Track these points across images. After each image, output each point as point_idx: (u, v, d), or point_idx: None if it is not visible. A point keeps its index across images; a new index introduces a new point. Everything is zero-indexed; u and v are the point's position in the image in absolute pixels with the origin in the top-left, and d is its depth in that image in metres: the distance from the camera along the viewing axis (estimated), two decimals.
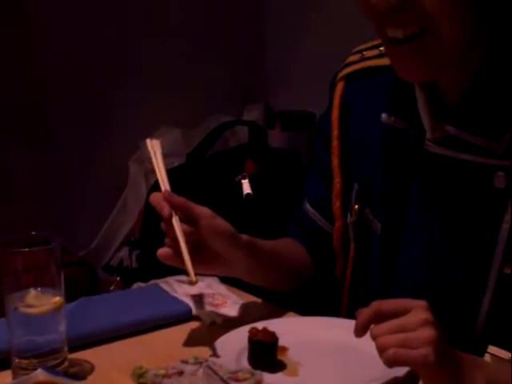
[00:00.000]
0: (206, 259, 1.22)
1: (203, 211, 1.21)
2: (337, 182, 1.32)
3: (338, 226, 1.34)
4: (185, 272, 1.40)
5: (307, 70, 3.14)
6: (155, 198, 1.21)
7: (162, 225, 1.20)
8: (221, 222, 1.22)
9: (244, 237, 1.26)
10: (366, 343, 1.14)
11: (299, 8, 3.21)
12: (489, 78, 1.09)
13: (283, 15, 3.30)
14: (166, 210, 1.19)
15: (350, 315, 1.32)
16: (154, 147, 1.25)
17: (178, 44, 3.16)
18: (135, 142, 3.06)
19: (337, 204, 1.33)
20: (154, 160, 1.25)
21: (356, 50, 1.33)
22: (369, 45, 1.30)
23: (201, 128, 3.04)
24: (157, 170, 1.24)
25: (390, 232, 1.22)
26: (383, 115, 1.18)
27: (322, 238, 1.37)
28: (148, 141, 1.26)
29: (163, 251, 1.20)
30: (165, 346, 1.19)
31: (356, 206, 1.29)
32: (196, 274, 1.16)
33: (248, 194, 2.16)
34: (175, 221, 1.18)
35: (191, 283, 1.17)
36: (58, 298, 1.09)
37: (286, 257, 1.36)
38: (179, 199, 1.21)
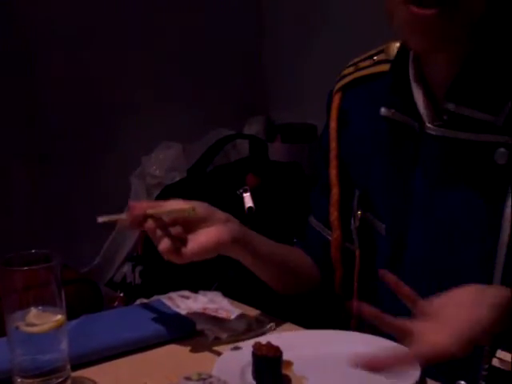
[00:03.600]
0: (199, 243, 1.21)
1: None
2: (334, 192, 1.34)
3: (335, 236, 1.35)
4: (187, 287, 1.40)
5: (307, 83, 3.14)
6: (124, 223, 1.23)
7: (147, 225, 1.19)
8: (208, 241, 1.21)
9: (238, 236, 1.24)
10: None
11: (300, 21, 3.21)
12: (485, 51, 1.11)
13: (284, 27, 3.30)
14: (136, 210, 1.19)
15: (360, 326, 1.32)
16: None
17: (178, 58, 3.16)
18: (136, 157, 3.06)
19: (334, 214, 1.34)
20: None
21: (350, 63, 1.36)
22: (362, 56, 1.34)
23: (202, 142, 3.03)
24: None
25: (396, 228, 1.23)
26: (382, 109, 1.22)
27: (328, 250, 1.37)
28: None
29: (164, 244, 1.18)
30: (168, 362, 1.18)
31: (359, 212, 1.30)
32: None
33: (250, 207, 2.15)
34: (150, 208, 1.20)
35: (190, 214, 1.20)
36: (59, 316, 1.08)
37: (290, 258, 1.36)
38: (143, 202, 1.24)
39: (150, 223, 1.19)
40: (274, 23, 3.35)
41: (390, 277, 1.05)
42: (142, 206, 1.20)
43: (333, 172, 1.34)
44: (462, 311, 1.00)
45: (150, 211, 1.19)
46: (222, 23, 3.24)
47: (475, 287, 1.04)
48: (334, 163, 1.34)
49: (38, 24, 2.83)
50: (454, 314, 1.00)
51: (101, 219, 1.22)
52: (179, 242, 1.19)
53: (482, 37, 1.12)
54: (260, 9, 3.38)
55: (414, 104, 1.18)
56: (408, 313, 1.21)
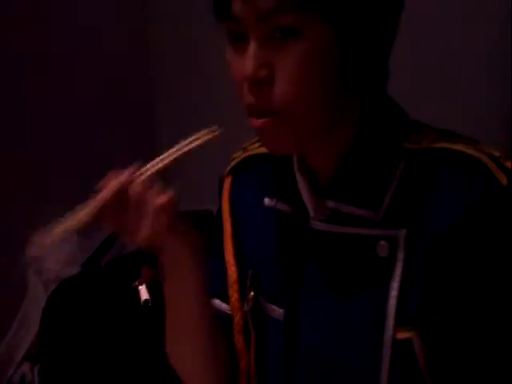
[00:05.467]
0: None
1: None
2: (232, 271, 1.32)
3: (237, 319, 1.31)
4: None
5: (204, 170, 3.16)
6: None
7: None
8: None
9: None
10: None
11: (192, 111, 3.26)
12: (361, 151, 1.13)
13: (175, 117, 3.34)
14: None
15: None
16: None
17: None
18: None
19: (234, 296, 1.31)
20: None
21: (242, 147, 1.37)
22: (252, 140, 1.35)
23: (97, 236, 3.00)
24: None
25: (290, 318, 1.22)
26: (266, 199, 1.22)
27: (231, 330, 1.33)
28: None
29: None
30: None
31: (252, 293, 1.28)
32: None
33: (146, 300, 2.14)
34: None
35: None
36: None
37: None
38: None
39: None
40: (167, 115, 3.39)
41: None
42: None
43: (228, 252, 1.33)
44: None
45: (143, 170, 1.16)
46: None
47: None
48: (228, 245, 1.33)
49: None
50: None
51: (49, 238, 1.13)
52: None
53: (359, 134, 1.14)
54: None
55: (299, 194, 1.19)
56: None
